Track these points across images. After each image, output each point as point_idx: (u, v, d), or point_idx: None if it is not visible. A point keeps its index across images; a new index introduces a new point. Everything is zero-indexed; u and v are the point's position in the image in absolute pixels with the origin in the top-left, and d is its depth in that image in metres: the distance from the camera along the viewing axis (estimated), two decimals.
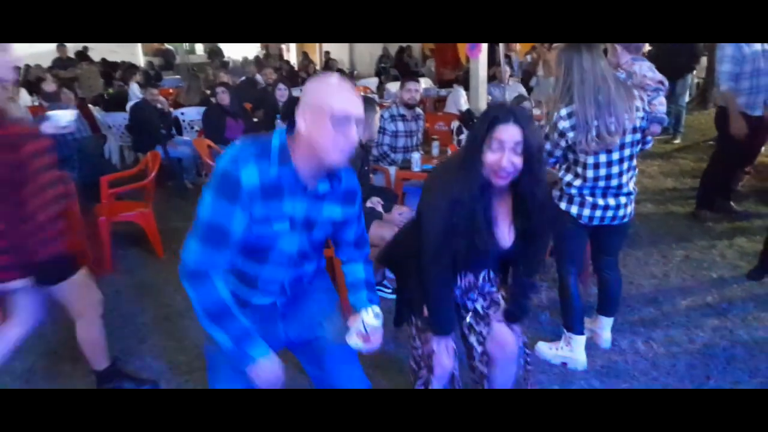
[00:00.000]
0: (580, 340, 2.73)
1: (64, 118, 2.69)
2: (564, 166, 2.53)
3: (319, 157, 1.44)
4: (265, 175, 1.45)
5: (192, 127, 6.78)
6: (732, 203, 4.77)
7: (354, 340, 1.66)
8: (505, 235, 1.80)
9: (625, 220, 2.56)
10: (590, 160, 2.42)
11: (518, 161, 1.65)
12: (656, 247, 4.17)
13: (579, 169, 2.46)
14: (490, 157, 1.65)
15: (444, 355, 1.94)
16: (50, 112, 2.66)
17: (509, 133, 1.63)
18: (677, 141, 7.27)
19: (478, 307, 2.04)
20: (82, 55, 11.59)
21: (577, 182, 2.48)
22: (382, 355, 2.58)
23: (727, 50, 4.10)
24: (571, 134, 2.38)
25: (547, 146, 2.47)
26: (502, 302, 2.04)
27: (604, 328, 2.91)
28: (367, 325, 1.64)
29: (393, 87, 8.74)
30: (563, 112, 2.39)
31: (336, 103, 1.39)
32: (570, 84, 2.37)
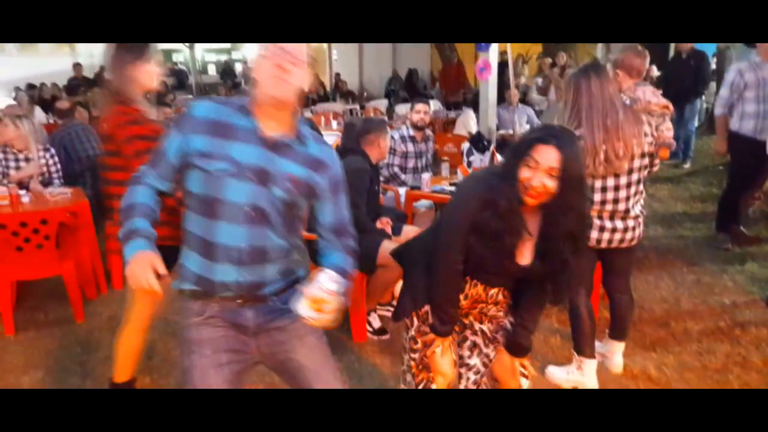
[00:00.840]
0: (591, 364, 2.70)
1: None
2: None
3: (264, 96, 1.50)
4: (220, 113, 1.54)
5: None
6: (742, 228, 4.75)
7: (305, 306, 1.45)
8: (524, 253, 1.79)
9: (634, 242, 2.56)
10: (597, 183, 2.43)
11: (551, 184, 1.62)
12: (666, 271, 4.14)
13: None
14: (524, 173, 1.64)
15: (446, 363, 1.92)
16: None
17: (547, 155, 1.61)
18: (687, 165, 7.26)
19: (485, 328, 2.01)
20: (98, 77, 11.76)
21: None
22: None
23: (728, 75, 4.14)
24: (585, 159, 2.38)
25: None
26: (509, 327, 2.01)
27: (616, 352, 2.88)
28: (322, 288, 1.45)
29: (402, 109, 8.81)
30: None
31: (269, 45, 1.51)
32: (578, 108, 2.39)
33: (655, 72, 9.76)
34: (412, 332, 1.99)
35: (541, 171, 1.61)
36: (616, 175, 2.41)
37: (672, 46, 11.71)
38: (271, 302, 1.64)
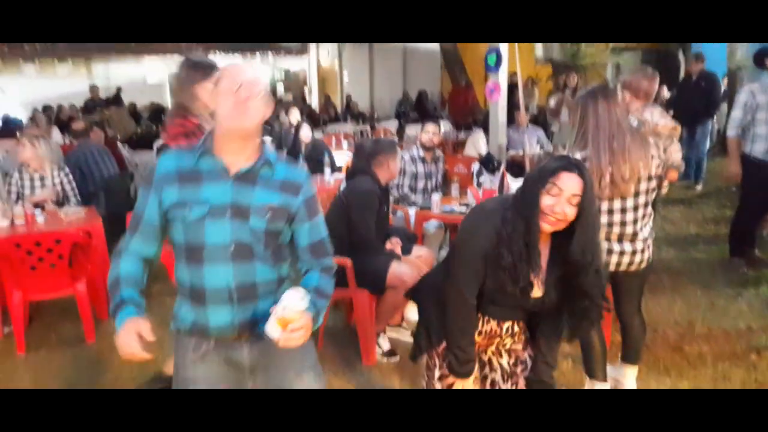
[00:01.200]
0: (603, 388, 2.66)
1: None
2: None
3: (227, 129, 1.51)
4: (183, 162, 1.56)
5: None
6: (757, 251, 4.69)
7: (272, 325, 1.42)
8: (536, 285, 1.76)
9: (643, 266, 2.53)
10: (604, 205, 2.41)
11: (571, 213, 1.63)
12: (680, 295, 4.09)
13: None
14: (546, 200, 1.63)
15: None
16: None
17: (571, 183, 1.62)
18: (699, 187, 7.21)
19: (504, 363, 1.98)
20: (115, 98, 12.01)
21: None
22: None
23: (740, 96, 4.11)
24: None
25: None
26: (529, 361, 1.97)
27: (629, 376, 2.83)
28: (288, 307, 1.42)
29: (412, 130, 8.86)
30: (577, 156, 2.40)
31: (225, 75, 1.53)
32: (585, 130, 2.39)
33: (666, 93, 9.78)
34: (437, 372, 1.96)
35: (564, 198, 1.62)
36: (623, 198, 2.40)
37: (682, 67, 11.75)
38: (267, 339, 1.59)
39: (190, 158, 1.55)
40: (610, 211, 2.43)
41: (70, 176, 4.51)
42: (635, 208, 2.44)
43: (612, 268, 2.50)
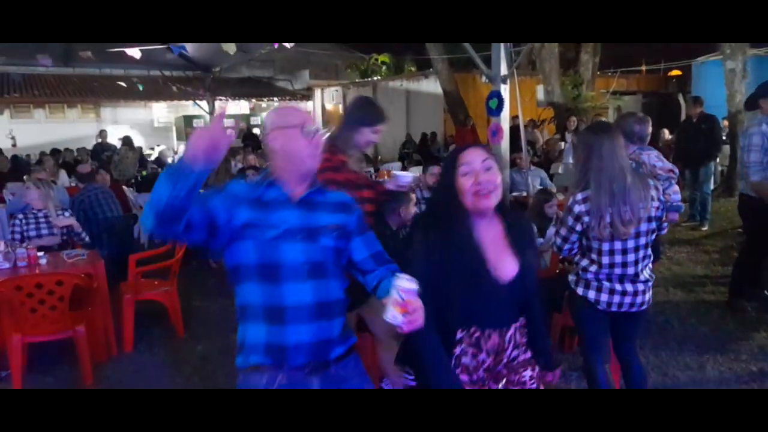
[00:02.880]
0: None
1: (405, 178, 2.94)
2: (579, 252, 2.53)
3: (297, 167, 1.65)
4: (252, 192, 1.66)
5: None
6: (766, 292, 4.62)
7: (392, 313, 1.48)
8: (506, 264, 1.72)
9: (644, 307, 2.51)
10: (605, 246, 2.41)
11: (495, 177, 1.69)
12: (689, 337, 4.00)
13: (594, 256, 2.46)
14: (464, 182, 1.69)
15: None
16: (396, 172, 2.91)
17: (474, 154, 1.70)
18: (705, 228, 7.18)
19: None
20: (126, 140, 12.15)
21: (593, 268, 2.47)
22: None
23: (754, 139, 4.06)
24: (586, 218, 2.39)
25: (563, 231, 2.49)
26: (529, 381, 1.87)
27: None
28: (402, 289, 1.48)
29: (416, 171, 8.92)
30: (579, 196, 2.41)
31: (299, 119, 1.67)
32: (588, 169, 2.40)
33: (667, 136, 9.87)
34: None
35: (479, 169, 1.68)
36: (624, 239, 2.39)
37: (683, 110, 11.90)
38: (333, 370, 1.68)
39: (256, 190, 1.66)
40: (611, 252, 2.42)
41: (73, 218, 4.53)
42: (636, 249, 2.43)
43: (614, 308, 2.47)
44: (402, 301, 1.47)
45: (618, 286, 2.45)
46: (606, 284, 2.46)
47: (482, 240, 1.73)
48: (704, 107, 7.31)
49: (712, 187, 7.61)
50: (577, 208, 2.40)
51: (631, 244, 2.41)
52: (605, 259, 2.42)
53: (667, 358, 3.66)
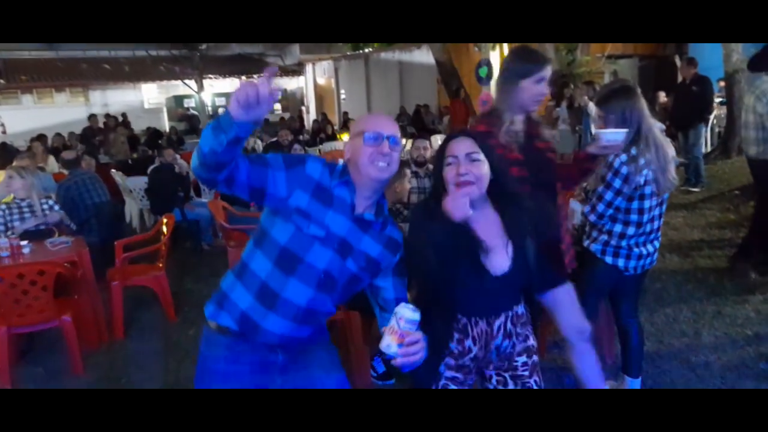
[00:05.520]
0: (635, 384, 2.72)
1: (612, 136, 2.27)
2: (612, 218, 2.51)
3: (362, 175, 1.57)
4: (325, 178, 1.58)
5: (211, 189, 6.87)
6: None
7: (387, 341, 1.40)
8: (498, 255, 1.68)
9: (647, 268, 2.61)
10: (646, 204, 2.45)
11: (477, 169, 1.66)
12: (686, 303, 3.97)
13: (634, 216, 2.48)
14: (448, 172, 1.68)
15: None
16: (600, 131, 2.34)
17: (460, 145, 1.68)
18: (697, 189, 7.09)
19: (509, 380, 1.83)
20: (123, 118, 12.02)
21: (631, 230, 2.49)
22: None
23: None
24: (640, 178, 2.39)
25: (608, 196, 2.44)
26: (534, 385, 1.83)
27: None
28: (402, 319, 1.40)
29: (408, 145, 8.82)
30: (624, 157, 2.39)
31: (368, 125, 1.60)
32: (635, 131, 2.37)
33: (662, 99, 9.72)
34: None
35: (462, 160, 1.66)
36: (653, 195, 2.47)
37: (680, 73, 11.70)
38: (299, 347, 1.68)
39: (330, 179, 1.59)
40: (650, 209, 2.47)
41: (57, 207, 4.44)
42: (660, 204, 2.53)
43: (638, 271, 2.56)
44: (399, 331, 1.40)
45: (644, 249, 2.53)
46: (635, 250, 2.52)
47: (474, 230, 1.69)
48: (701, 69, 7.17)
49: (703, 149, 7.48)
50: (625, 170, 2.38)
51: (656, 200, 2.49)
52: (645, 217, 2.47)
53: (663, 326, 3.63)
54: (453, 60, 13.21)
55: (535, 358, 1.84)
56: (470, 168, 1.65)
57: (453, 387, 1.79)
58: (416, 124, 13.20)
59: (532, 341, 1.85)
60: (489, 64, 5.79)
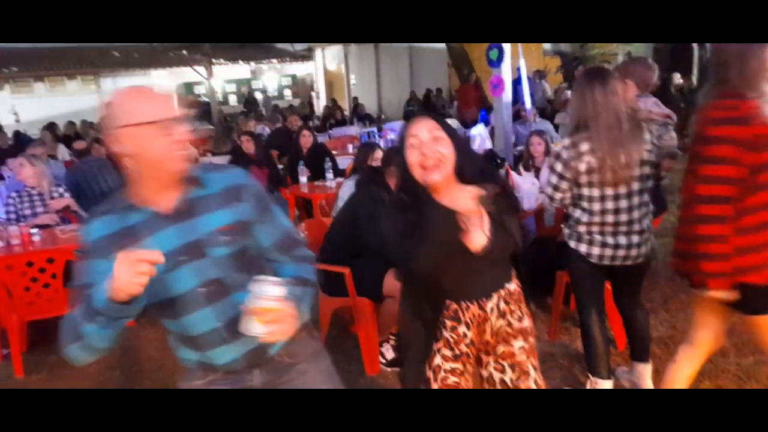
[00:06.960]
0: (606, 386, 2.56)
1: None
2: (571, 202, 2.47)
3: (159, 172, 1.34)
4: (112, 225, 1.38)
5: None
6: None
7: (250, 323, 1.26)
8: (478, 233, 1.63)
9: (639, 260, 2.46)
10: (595, 192, 2.36)
11: (441, 150, 1.59)
12: None
13: (585, 204, 2.40)
14: (410, 154, 1.62)
15: None
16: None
17: (421, 125, 1.62)
18: None
19: (507, 379, 1.78)
20: None
21: (585, 218, 2.41)
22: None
23: None
24: (575, 164, 2.32)
25: (553, 180, 2.42)
26: (532, 371, 1.78)
27: (644, 376, 2.70)
28: (264, 296, 1.25)
29: None
30: (566, 141, 2.37)
31: (150, 111, 1.30)
32: (580, 116, 2.33)
33: (677, 80, 9.54)
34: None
35: (427, 141, 1.59)
36: (615, 185, 2.33)
37: (695, 54, 11.46)
38: (278, 358, 1.52)
39: (116, 220, 1.38)
40: (602, 198, 2.36)
41: (67, 194, 4.46)
42: (629, 195, 2.36)
43: (606, 262, 2.44)
44: (264, 309, 1.25)
45: (610, 239, 2.40)
46: (597, 237, 2.41)
47: (449, 210, 1.60)
48: None
49: None
50: (565, 154, 2.34)
51: (623, 189, 2.34)
52: (596, 206, 2.36)
53: (677, 312, 3.58)
54: (464, 44, 13.06)
55: (531, 340, 1.81)
56: (432, 148, 1.59)
57: (453, 379, 1.75)
58: (426, 108, 13.10)
59: (527, 322, 1.81)
60: (500, 47, 5.69)
